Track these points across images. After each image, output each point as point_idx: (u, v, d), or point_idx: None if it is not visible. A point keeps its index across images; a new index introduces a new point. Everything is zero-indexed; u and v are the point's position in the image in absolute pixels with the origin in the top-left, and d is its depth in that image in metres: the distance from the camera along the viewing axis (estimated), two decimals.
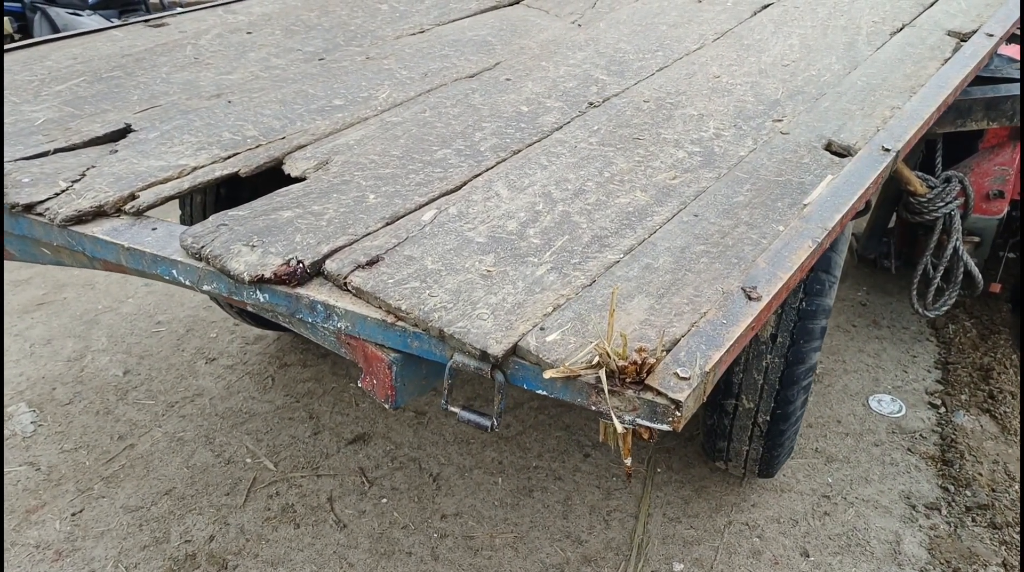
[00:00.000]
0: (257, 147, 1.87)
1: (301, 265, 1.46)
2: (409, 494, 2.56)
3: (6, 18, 5.01)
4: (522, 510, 2.51)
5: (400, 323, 1.38)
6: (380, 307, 1.40)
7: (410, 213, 1.64)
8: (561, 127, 1.99)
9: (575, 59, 2.47)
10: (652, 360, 1.25)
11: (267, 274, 1.43)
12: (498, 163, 1.83)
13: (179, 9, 2.83)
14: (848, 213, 1.67)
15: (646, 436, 1.37)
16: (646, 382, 1.25)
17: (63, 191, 1.67)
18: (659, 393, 1.24)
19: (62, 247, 1.66)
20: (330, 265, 1.46)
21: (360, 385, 1.52)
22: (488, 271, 1.47)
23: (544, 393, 1.34)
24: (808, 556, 2.37)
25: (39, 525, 2.41)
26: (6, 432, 2.76)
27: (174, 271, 1.54)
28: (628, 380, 1.26)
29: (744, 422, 2.19)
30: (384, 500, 2.54)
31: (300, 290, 1.44)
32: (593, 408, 1.29)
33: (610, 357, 1.25)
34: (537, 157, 1.85)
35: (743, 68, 2.39)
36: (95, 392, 2.96)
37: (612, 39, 2.66)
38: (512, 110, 2.08)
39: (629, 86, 2.26)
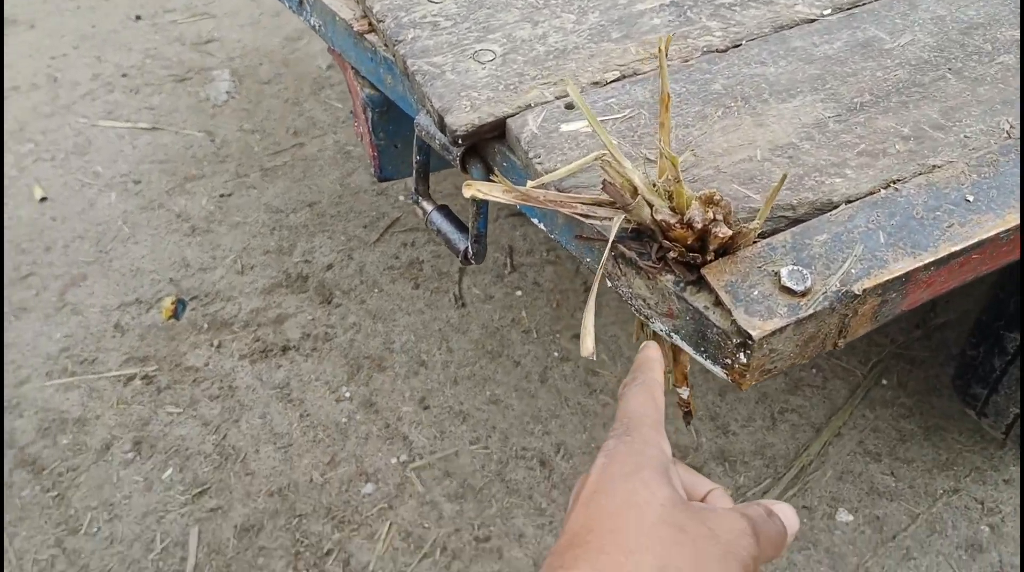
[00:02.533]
0: None
1: None
2: (549, 296, 2.09)
3: None
4: None
5: (370, 38, 0.80)
6: (358, 2, 0.83)
7: None
8: None
9: None
10: (727, 231, 0.57)
11: None
12: None
13: None
14: None
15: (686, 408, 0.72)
16: (704, 271, 0.58)
17: None
18: (719, 303, 0.58)
19: None
20: None
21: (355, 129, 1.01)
22: None
23: (539, 225, 0.73)
24: None
25: (189, 195, 2.34)
26: (199, 95, 2.69)
27: None
28: (673, 255, 0.60)
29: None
30: (519, 293, 2.10)
31: None
32: (609, 284, 0.66)
33: (637, 196, 0.58)
34: None
35: None
36: (294, 79, 2.76)
37: None
38: None
39: None
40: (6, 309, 2.03)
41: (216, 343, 1.98)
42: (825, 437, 1.79)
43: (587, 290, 2.11)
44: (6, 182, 2.37)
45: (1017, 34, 0.74)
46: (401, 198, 2.35)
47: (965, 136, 0.66)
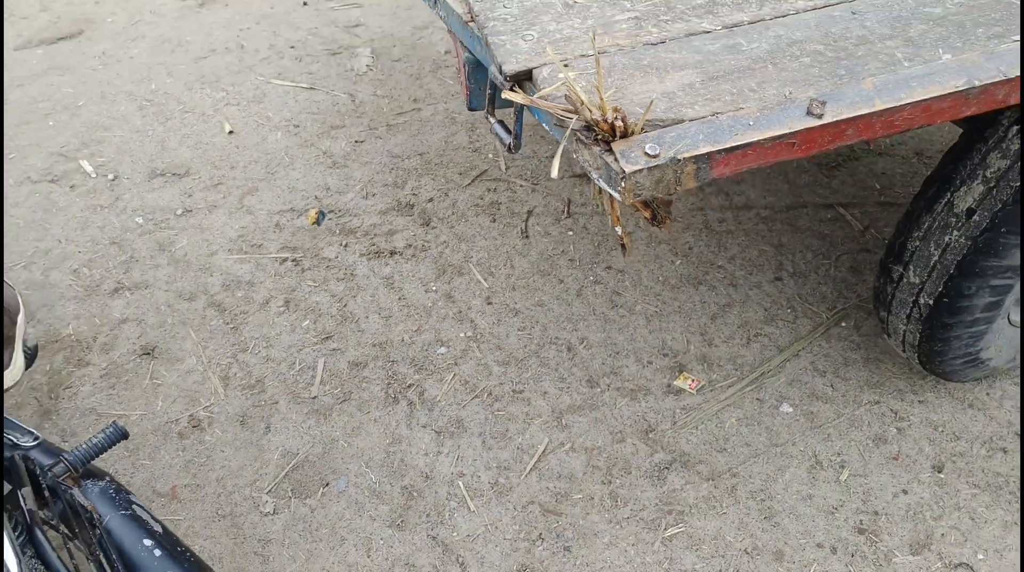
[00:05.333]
0: None
1: None
2: (593, 238, 2.72)
3: None
4: (679, 294, 2.53)
5: (472, 24, 1.48)
6: (464, 1, 1.50)
7: None
8: None
9: None
10: (622, 126, 1.21)
11: None
12: None
13: None
14: None
15: (648, 215, 1.35)
16: (612, 145, 1.23)
17: None
18: (616, 160, 1.22)
19: None
20: None
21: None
22: (575, 1, 1.46)
23: (546, 127, 1.37)
24: (940, 472, 2.07)
25: (333, 139, 3.09)
26: (346, 66, 3.45)
27: None
28: (598, 137, 1.24)
29: (904, 296, 1.88)
30: (570, 233, 2.74)
31: None
32: (575, 156, 1.31)
33: (583, 105, 1.23)
34: None
35: None
36: (418, 59, 3.49)
37: None
38: None
39: None
40: (203, 204, 2.82)
41: (344, 244, 2.71)
42: (785, 355, 2.35)
43: (620, 239, 2.72)
44: (205, 118, 3.19)
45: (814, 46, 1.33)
46: (491, 155, 3.03)
47: (763, 96, 1.26)
